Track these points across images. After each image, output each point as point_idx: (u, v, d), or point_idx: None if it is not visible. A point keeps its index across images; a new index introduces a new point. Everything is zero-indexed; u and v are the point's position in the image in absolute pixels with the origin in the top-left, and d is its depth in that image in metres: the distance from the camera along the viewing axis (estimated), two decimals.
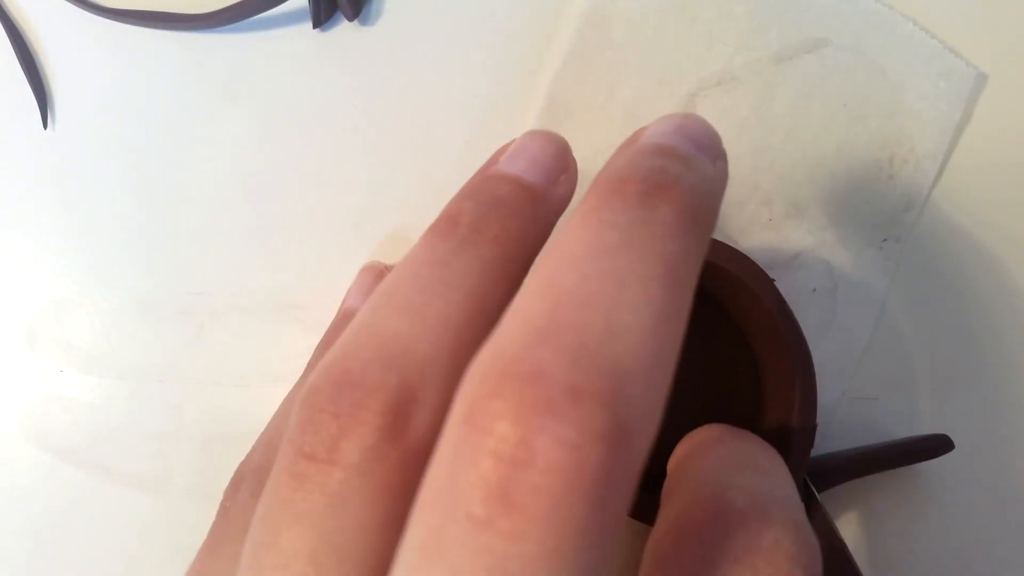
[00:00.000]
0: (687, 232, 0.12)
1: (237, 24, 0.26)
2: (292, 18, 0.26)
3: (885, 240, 0.24)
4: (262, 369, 0.26)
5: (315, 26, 0.26)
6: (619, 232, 0.12)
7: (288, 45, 0.26)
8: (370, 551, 0.12)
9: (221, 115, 0.27)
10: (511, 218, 0.14)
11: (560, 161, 0.15)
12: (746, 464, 0.15)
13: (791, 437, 0.20)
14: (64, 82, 0.27)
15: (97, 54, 0.27)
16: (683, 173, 0.13)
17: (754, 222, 0.24)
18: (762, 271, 0.20)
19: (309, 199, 0.26)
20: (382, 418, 0.12)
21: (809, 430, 0.20)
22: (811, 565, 0.13)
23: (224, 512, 0.18)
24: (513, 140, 0.16)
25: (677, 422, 0.21)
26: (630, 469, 0.11)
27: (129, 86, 0.27)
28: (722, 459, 0.16)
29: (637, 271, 0.11)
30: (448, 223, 0.14)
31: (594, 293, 0.11)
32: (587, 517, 0.10)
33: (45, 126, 0.27)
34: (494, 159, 0.16)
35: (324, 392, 0.12)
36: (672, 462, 0.17)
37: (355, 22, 0.26)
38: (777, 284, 0.20)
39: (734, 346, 0.22)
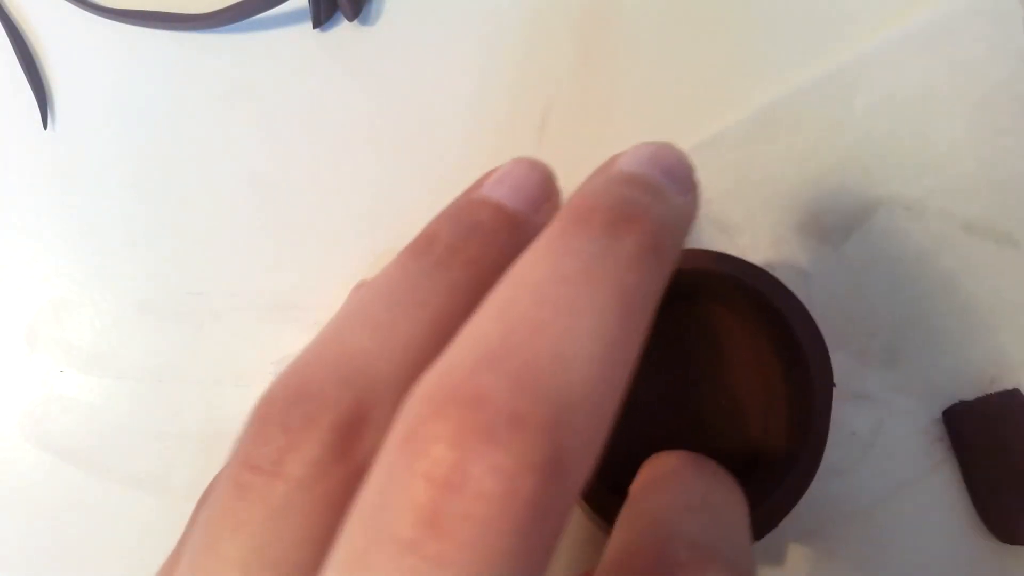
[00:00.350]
0: (649, 265, 0.12)
1: (237, 24, 0.26)
2: (292, 18, 0.26)
3: (941, 439, 0.23)
4: (262, 369, 0.26)
5: (315, 26, 0.26)
6: (579, 261, 0.12)
7: (288, 45, 0.26)
8: (304, 566, 0.12)
9: (221, 115, 0.27)
10: (488, 243, 0.14)
11: (543, 190, 0.15)
12: (699, 505, 0.15)
13: (787, 473, 0.19)
14: (64, 82, 0.27)
15: (97, 54, 0.27)
16: (651, 204, 0.13)
17: (847, 342, 0.24)
18: (804, 309, 0.20)
19: (309, 199, 0.26)
20: (330, 434, 0.12)
21: (809, 468, 0.19)
22: None
23: (191, 523, 0.18)
24: (500, 165, 0.16)
25: (691, 427, 0.20)
26: (563, 501, 0.11)
27: (129, 86, 0.27)
28: (675, 498, 0.16)
29: (593, 301, 0.11)
30: (425, 243, 0.14)
31: (547, 321, 0.11)
32: (515, 547, 0.10)
33: (45, 126, 0.27)
34: (479, 183, 0.16)
35: (277, 405, 0.12)
36: (633, 488, 0.17)
37: (355, 22, 0.26)
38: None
39: (759, 367, 0.21)
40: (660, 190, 0.14)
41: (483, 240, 0.14)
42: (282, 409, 0.12)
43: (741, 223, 0.24)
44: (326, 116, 0.26)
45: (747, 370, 0.21)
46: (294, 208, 0.26)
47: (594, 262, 0.12)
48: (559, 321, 0.11)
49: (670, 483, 0.16)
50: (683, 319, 0.21)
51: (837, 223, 0.24)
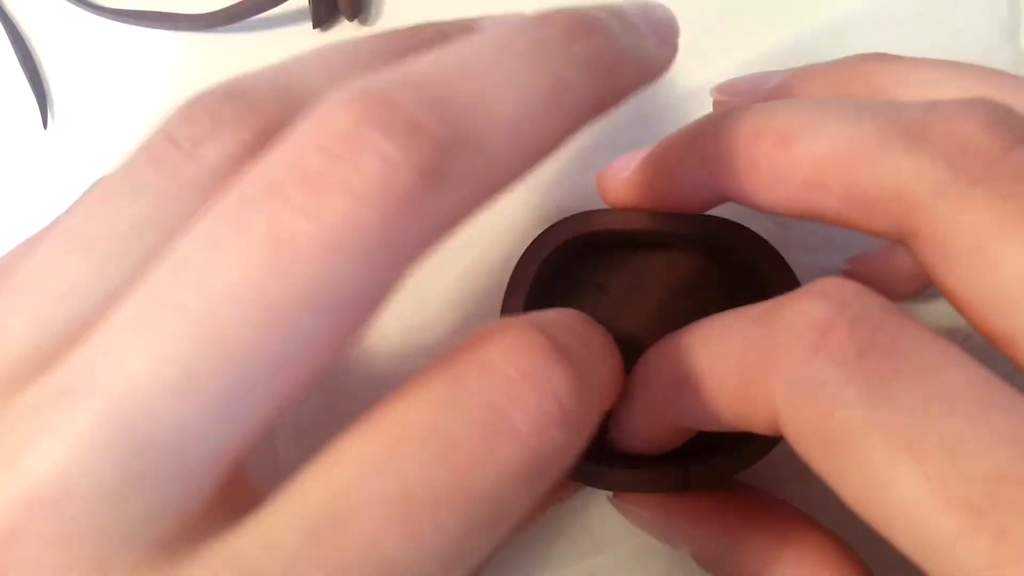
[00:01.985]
0: (590, 74, 0.13)
1: (237, 24, 0.26)
2: (292, 18, 0.26)
3: None
4: None
5: (315, 26, 0.26)
6: (528, 41, 0.12)
7: (288, 45, 0.26)
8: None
9: None
10: None
11: None
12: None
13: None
14: (64, 82, 0.27)
15: (97, 54, 0.27)
16: (619, 32, 0.13)
17: None
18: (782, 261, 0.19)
19: None
20: (254, 136, 0.13)
21: None
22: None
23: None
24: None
25: None
26: (432, 215, 0.11)
27: (129, 86, 0.27)
28: None
29: (527, 77, 0.12)
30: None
31: (479, 73, 0.12)
32: (377, 229, 0.10)
33: (45, 126, 0.27)
34: None
35: (213, 95, 0.13)
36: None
37: (355, 22, 0.26)
38: None
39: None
40: (634, 27, 0.14)
41: None
42: (218, 99, 0.13)
43: None
44: None
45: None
46: None
47: (541, 48, 0.12)
48: (490, 77, 0.12)
49: None
50: (660, 268, 0.21)
51: None
